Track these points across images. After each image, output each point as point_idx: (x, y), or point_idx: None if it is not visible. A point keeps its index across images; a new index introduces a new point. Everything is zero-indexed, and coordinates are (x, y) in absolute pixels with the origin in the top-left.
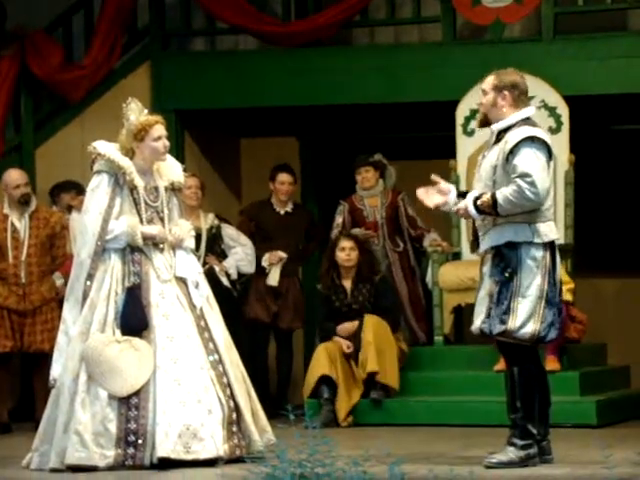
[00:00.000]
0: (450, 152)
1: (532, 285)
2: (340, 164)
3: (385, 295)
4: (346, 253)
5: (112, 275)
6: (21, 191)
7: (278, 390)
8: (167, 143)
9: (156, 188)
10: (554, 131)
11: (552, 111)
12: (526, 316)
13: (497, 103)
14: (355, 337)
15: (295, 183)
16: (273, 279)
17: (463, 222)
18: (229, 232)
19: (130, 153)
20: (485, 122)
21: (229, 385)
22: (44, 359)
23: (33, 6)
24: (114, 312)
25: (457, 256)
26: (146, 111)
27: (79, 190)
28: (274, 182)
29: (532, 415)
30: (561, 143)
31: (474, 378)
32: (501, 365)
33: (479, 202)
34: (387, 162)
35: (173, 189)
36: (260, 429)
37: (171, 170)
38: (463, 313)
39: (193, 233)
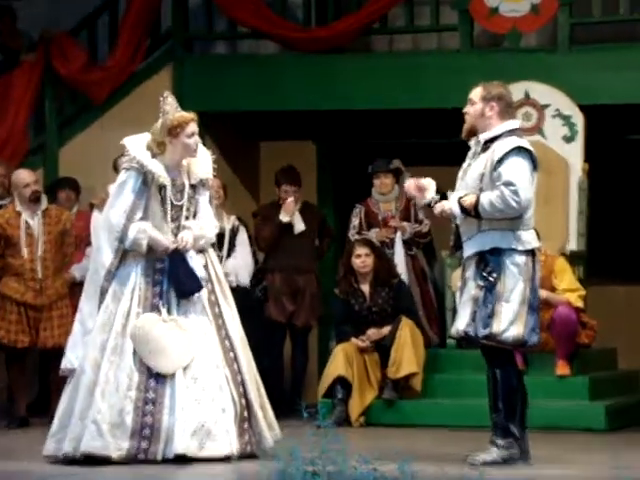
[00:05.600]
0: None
1: (515, 290)
2: (357, 168)
3: (404, 298)
4: (361, 260)
5: (137, 270)
6: (31, 189)
7: (292, 388)
8: (199, 140)
9: (183, 185)
10: (568, 139)
11: (566, 120)
12: (510, 320)
13: (485, 113)
14: (384, 339)
15: (300, 188)
16: (299, 225)
17: None
18: (242, 237)
19: (162, 146)
20: (471, 132)
21: (243, 383)
22: (61, 354)
23: (60, 9)
24: (137, 304)
25: None
26: (179, 107)
27: (73, 187)
28: (279, 189)
29: (513, 415)
30: (575, 151)
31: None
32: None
33: (462, 200)
34: (403, 169)
35: (202, 184)
36: (268, 424)
37: (200, 167)
38: None
39: (206, 232)
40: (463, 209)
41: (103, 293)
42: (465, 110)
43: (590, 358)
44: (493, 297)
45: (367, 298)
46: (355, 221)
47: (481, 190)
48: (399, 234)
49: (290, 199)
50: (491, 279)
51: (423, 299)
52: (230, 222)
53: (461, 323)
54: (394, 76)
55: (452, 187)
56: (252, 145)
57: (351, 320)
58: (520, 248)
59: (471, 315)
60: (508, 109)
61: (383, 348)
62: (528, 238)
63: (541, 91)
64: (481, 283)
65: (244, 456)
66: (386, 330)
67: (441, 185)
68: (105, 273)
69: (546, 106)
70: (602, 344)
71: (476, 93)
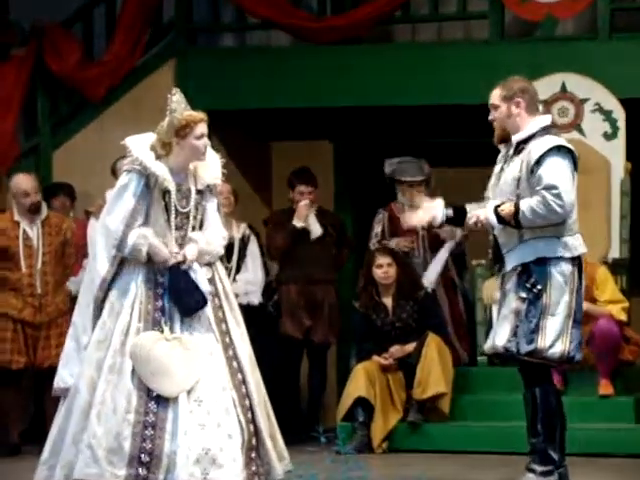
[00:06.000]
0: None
1: (561, 302)
2: (377, 169)
3: (431, 312)
4: (383, 270)
5: (137, 282)
6: (31, 200)
7: (309, 411)
8: (208, 142)
9: (188, 190)
10: (609, 137)
11: (607, 115)
12: (555, 335)
13: (511, 113)
14: (409, 356)
15: (316, 189)
16: (316, 229)
17: None
18: (252, 248)
19: (167, 148)
20: (503, 138)
21: (251, 408)
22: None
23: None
24: (137, 319)
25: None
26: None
27: (68, 193)
28: (293, 191)
29: (553, 439)
30: (617, 150)
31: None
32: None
33: (500, 209)
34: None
35: (210, 190)
36: (278, 454)
37: (208, 171)
38: None
39: (213, 247)
40: (500, 219)
41: (97, 303)
42: (490, 118)
43: (635, 376)
44: (537, 310)
45: (389, 312)
46: (377, 228)
47: (518, 196)
48: (448, 242)
49: (303, 202)
50: (535, 291)
51: (452, 313)
52: (240, 231)
53: (500, 339)
54: (417, 69)
55: (481, 189)
56: (263, 146)
57: (373, 336)
58: (567, 255)
59: (512, 330)
60: (535, 102)
61: (408, 366)
62: (575, 244)
63: (579, 84)
64: (523, 295)
65: None
66: (411, 347)
67: (470, 187)
68: (100, 282)
69: (585, 100)
70: None
71: (495, 96)
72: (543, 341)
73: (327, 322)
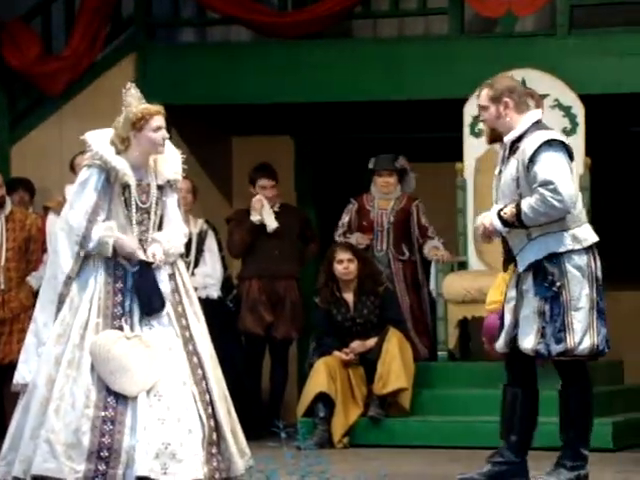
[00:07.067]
0: (457, 154)
1: (582, 296)
2: (339, 165)
3: (391, 307)
4: (344, 266)
5: (97, 277)
6: None
7: (269, 406)
8: (166, 135)
9: (148, 186)
10: (569, 132)
11: (567, 111)
12: (582, 331)
13: (500, 114)
14: (369, 351)
15: (277, 183)
16: (270, 222)
17: (470, 229)
18: (210, 243)
19: (126, 142)
20: (494, 138)
21: (211, 403)
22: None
23: None
24: (96, 314)
25: (463, 266)
26: (144, 100)
27: (27, 188)
28: (254, 187)
29: (586, 437)
30: (576, 145)
31: (480, 396)
32: None
33: (503, 212)
34: (408, 167)
35: (170, 185)
36: (239, 450)
37: (167, 166)
38: (469, 327)
39: (175, 244)
40: (505, 222)
41: (62, 301)
42: (481, 118)
43: (594, 371)
44: (560, 308)
45: (350, 308)
46: (345, 218)
47: (520, 195)
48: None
49: (257, 197)
50: (554, 289)
51: (412, 308)
52: (197, 226)
53: (528, 341)
54: (378, 64)
55: (449, 184)
56: (224, 141)
57: (334, 332)
58: (578, 247)
59: (539, 331)
60: (523, 99)
61: (368, 362)
62: (584, 234)
63: (539, 80)
64: (544, 295)
65: None
66: (372, 342)
67: (429, 183)
68: (65, 279)
69: (544, 96)
70: (607, 356)
71: (483, 97)
72: (572, 340)
73: (289, 318)
